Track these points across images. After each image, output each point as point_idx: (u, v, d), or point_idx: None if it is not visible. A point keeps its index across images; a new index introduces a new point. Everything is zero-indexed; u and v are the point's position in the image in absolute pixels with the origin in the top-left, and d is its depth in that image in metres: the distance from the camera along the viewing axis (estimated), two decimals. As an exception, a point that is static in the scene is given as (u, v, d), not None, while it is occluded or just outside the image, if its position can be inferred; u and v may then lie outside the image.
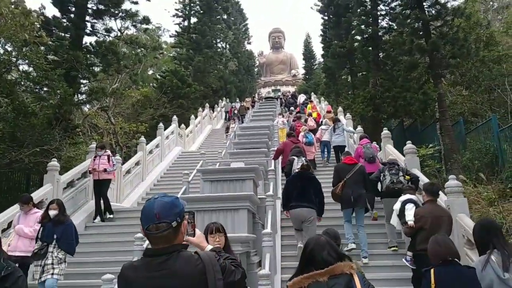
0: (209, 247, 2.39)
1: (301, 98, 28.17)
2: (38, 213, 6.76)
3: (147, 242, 5.96)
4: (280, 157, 11.27)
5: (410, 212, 5.81)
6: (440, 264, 3.57)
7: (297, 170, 7.78)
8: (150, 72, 34.63)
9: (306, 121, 16.51)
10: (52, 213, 6.24)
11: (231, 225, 6.63)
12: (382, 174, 7.55)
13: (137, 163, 13.54)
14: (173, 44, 31.12)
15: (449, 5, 16.30)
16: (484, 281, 3.38)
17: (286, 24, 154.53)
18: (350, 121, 15.81)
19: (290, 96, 33.48)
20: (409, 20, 17.92)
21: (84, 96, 13.92)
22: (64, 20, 14.33)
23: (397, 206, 6.26)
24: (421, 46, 15.97)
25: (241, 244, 5.77)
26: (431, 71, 16.62)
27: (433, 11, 16.73)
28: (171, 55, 33.39)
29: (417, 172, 8.08)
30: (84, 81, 14.76)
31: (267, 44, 70.33)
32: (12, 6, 8.09)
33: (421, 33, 16.69)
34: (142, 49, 15.52)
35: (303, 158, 8.60)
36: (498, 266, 3.36)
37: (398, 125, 22.82)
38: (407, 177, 7.17)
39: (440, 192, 6.27)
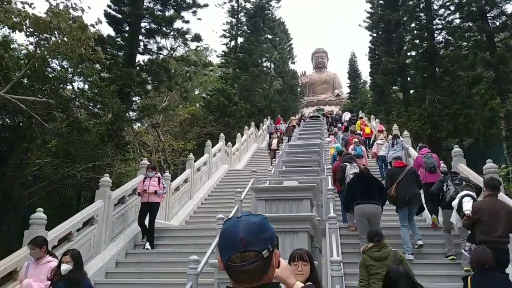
0: (299, 284, 1.81)
1: (346, 116, 27.39)
2: (52, 262, 5.12)
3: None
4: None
5: (468, 204, 5.89)
6: (477, 272, 4.14)
7: (351, 175, 8.14)
8: (197, 92, 35.14)
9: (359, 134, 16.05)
10: (65, 268, 4.63)
11: (290, 250, 5.99)
12: (444, 184, 7.29)
13: (185, 181, 13.29)
14: (220, 64, 31.45)
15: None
16: None
17: (329, 43, 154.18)
18: (408, 139, 14.77)
19: (335, 114, 32.82)
20: (470, 33, 16.81)
21: (136, 113, 13.99)
22: (118, 39, 14.65)
23: (455, 202, 6.33)
24: (486, 59, 14.80)
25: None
26: (496, 86, 15.31)
27: (498, 23, 15.52)
28: (218, 75, 33.76)
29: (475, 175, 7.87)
30: (136, 98, 14.92)
31: (310, 64, 70.22)
32: (70, 22, 8.14)
33: (485, 46, 15.50)
34: (193, 66, 15.55)
35: (355, 164, 8.86)
36: None
37: (457, 145, 21.28)
38: (471, 187, 6.77)
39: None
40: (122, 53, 14.37)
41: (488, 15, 15.45)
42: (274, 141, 18.20)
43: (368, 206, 7.16)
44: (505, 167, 12.92)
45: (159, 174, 9.42)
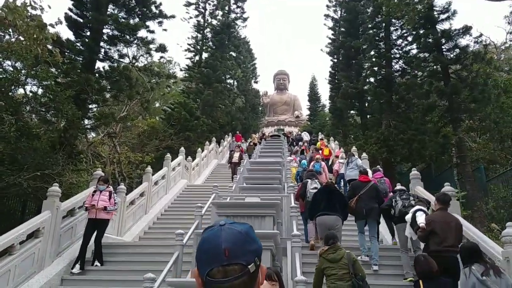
0: None
1: (305, 136, 27.82)
2: None
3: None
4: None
5: (421, 218, 6.38)
6: (425, 278, 4.74)
7: (311, 190, 8.68)
8: (157, 104, 34.40)
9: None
10: None
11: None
12: (393, 200, 7.70)
13: (141, 194, 12.72)
14: (183, 78, 31.07)
15: (469, 49, 16.03)
16: (469, 285, 4.56)
17: (292, 65, 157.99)
18: (366, 161, 15.15)
19: (295, 134, 33.26)
20: (426, 64, 17.73)
21: (92, 121, 13.29)
22: (78, 44, 14.00)
23: (408, 216, 6.83)
24: (440, 88, 15.60)
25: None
26: (449, 115, 16.14)
27: (452, 55, 16.49)
28: (180, 89, 33.28)
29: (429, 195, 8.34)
30: (93, 106, 14.22)
31: (271, 84, 71.31)
32: (28, 20, 7.61)
33: (439, 76, 16.37)
34: (156, 77, 15.11)
35: (316, 180, 9.28)
36: (477, 272, 4.54)
37: (410, 170, 22.14)
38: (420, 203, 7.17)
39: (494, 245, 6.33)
40: (81, 58, 13.72)
41: (443, 47, 16.36)
42: (236, 155, 17.88)
43: (329, 217, 7.63)
44: (457, 192, 13.48)
45: (111, 188, 8.66)
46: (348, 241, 9.22)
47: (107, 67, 13.71)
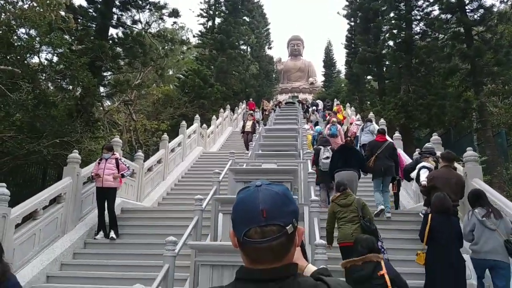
0: (311, 267, 1.61)
1: (320, 104, 27.52)
2: None
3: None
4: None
5: (424, 175, 6.97)
6: (437, 213, 5.29)
7: (323, 160, 9.08)
8: (171, 72, 34.16)
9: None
10: None
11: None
12: (417, 161, 7.92)
13: (158, 161, 12.84)
14: (196, 44, 30.61)
15: (494, 10, 15.26)
16: (469, 225, 5.27)
17: (306, 30, 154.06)
18: (384, 127, 14.89)
19: (311, 102, 32.89)
20: (448, 25, 16.99)
21: (107, 88, 13.27)
22: (91, 10, 13.78)
23: (414, 173, 7.44)
24: (463, 51, 14.99)
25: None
26: (471, 79, 15.58)
27: (476, 16, 15.72)
28: (193, 56, 32.87)
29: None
30: (108, 74, 14.16)
31: (285, 50, 69.94)
32: (40, -15, 7.46)
33: (462, 38, 15.69)
34: (169, 43, 14.88)
35: (328, 148, 9.57)
36: (479, 215, 5.21)
37: (428, 135, 21.75)
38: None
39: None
40: (94, 25, 13.55)
41: (466, 7, 15.58)
42: (249, 123, 17.22)
43: (346, 172, 8.01)
44: (479, 157, 13.24)
45: (117, 155, 8.53)
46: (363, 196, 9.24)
47: (120, 34, 13.57)
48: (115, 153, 8.66)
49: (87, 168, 8.96)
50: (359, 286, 3.99)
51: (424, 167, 7.23)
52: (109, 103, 22.05)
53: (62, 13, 10.61)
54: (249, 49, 38.39)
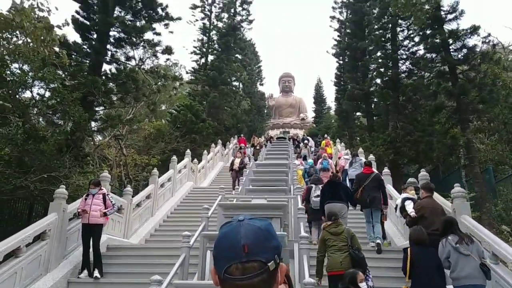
0: None
1: (311, 141, 27.66)
2: None
3: None
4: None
5: (410, 206, 7.19)
6: (415, 245, 5.61)
7: (314, 198, 9.21)
8: (163, 107, 34.46)
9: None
10: None
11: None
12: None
13: (147, 197, 12.70)
14: (189, 80, 31.12)
15: (477, 50, 15.86)
16: (445, 252, 5.41)
17: (297, 68, 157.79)
18: (373, 163, 15.02)
19: (301, 137, 33.19)
20: (433, 64, 17.58)
21: (98, 123, 13.29)
22: (85, 46, 14.04)
23: (398, 201, 7.86)
24: (448, 89, 15.44)
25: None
26: (457, 116, 15.96)
27: (460, 55, 16.32)
28: (186, 91, 33.30)
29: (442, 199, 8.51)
30: (100, 109, 14.23)
31: (277, 87, 71.33)
32: (35, 21, 7.62)
33: (447, 76, 16.20)
34: (162, 79, 15.11)
35: (320, 186, 9.67)
36: (452, 242, 5.40)
37: (417, 171, 21.93)
38: None
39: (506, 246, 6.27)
40: (87, 61, 13.75)
41: (451, 47, 16.19)
42: (237, 160, 16.70)
43: (335, 204, 8.32)
44: (467, 193, 13.32)
45: (104, 190, 8.39)
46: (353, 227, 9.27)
47: (113, 70, 13.77)
48: (102, 188, 8.55)
49: (74, 204, 8.80)
50: None
51: (408, 198, 7.50)
52: (100, 138, 22.03)
53: (56, 49, 10.78)
54: (241, 85, 39.10)
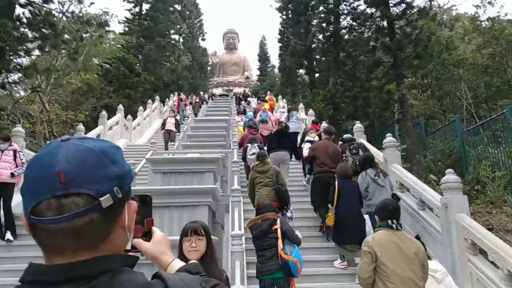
0: (177, 263, 1.20)
1: (253, 101, 26.83)
2: None
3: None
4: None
5: (306, 147, 8.32)
6: (341, 179, 6.34)
7: (250, 156, 9.14)
8: (96, 61, 31.93)
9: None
10: None
11: (188, 225, 5.34)
12: (344, 156, 8.05)
13: (73, 154, 11.71)
14: (123, 32, 28.81)
15: (415, 5, 16.00)
16: (365, 183, 6.14)
17: (241, 24, 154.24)
18: (312, 117, 15.04)
19: (242, 94, 32.69)
20: (372, 20, 17.58)
21: (13, 74, 11.75)
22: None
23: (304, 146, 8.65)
24: (386, 44, 15.54)
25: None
26: (393, 72, 16.25)
27: (398, 10, 16.39)
28: (120, 45, 30.95)
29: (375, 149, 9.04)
30: (16, 59, 12.55)
31: (221, 44, 69.31)
32: None
33: (386, 32, 16.28)
34: (85, 25, 13.56)
35: (256, 145, 9.78)
36: (371, 174, 6.18)
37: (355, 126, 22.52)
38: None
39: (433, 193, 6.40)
40: (-5, 1, 11.87)
41: (390, 1, 16.19)
42: (171, 120, 14.92)
43: (279, 153, 8.77)
44: (398, 145, 13.78)
45: (15, 146, 7.52)
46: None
47: (27, 13, 12.01)
48: (13, 144, 7.60)
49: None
50: (258, 241, 4.80)
51: (307, 141, 8.58)
52: (23, 93, 19.93)
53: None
54: (181, 40, 37.16)
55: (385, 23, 16.47)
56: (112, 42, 36.61)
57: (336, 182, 6.35)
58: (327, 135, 7.97)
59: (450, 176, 5.61)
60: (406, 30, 16.00)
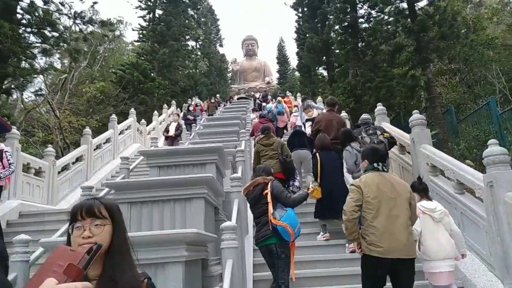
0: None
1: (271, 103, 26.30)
2: None
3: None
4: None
5: (308, 125, 8.54)
6: (321, 150, 6.59)
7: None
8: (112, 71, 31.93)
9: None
10: None
11: (181, 221, 4.56)
12: (360, 137, 7.48)
13: (78, 159, 11.19)
14: (137, 39, 28.64)
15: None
16: (353, 157, 6.20)
17: (259, 29, 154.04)
18: (320, 103, 14.26)
19: (262, 96, 32.01)
20: (391, 3, 16.44)
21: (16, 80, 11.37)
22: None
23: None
24: (407, 26, 14.38)
25: (186, 246, 3.45)
26: (417, 56, 15.03)
27: (418, -10, 15.22)
28: (136, 52, 30.83)
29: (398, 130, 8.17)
30: (21, 63, 12.20)
31: (240, 51, 69.02)
32: None
33: (406, 13, 15.11)
34: (89, 25, 13.14)
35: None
36: (357, 146, 6.29)
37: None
38: (386, 134, 6.83)
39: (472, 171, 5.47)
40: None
41: (409, -19, 15.07)
42: (173, 124, 13.55)
43: (301, 151, 8.63)
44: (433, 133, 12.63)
45: (2, 146, 6.84)
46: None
47: (26, 14, 11.60)
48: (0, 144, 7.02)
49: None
50: (253, 209, 4.73)
51: (307, 120, 9.25)
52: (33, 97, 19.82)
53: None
54: (197, 45, 36.83)
55: (404, 4, 15.30)
56: (131, 54, 36.72)
57: (317, 154, 6.38)
58: (329, 107, 8.04)
59: (494, 148, 4.56)
60: (428, 11, 14.77)
